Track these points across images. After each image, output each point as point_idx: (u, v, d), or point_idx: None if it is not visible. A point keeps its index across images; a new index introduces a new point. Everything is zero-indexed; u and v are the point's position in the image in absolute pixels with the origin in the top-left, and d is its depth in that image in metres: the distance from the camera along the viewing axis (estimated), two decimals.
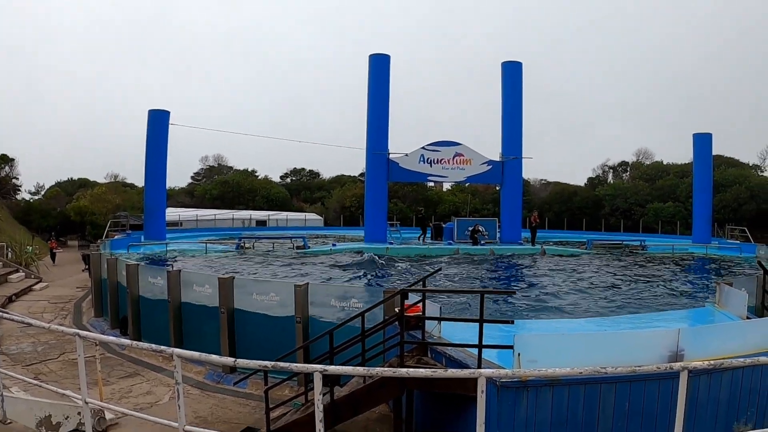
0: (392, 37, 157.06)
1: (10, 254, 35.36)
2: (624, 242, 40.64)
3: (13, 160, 72.06)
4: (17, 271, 30.84)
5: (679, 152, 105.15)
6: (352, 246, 34.58)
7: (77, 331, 7.08)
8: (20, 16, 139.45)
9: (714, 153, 43.08)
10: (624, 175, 79.74)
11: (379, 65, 37.01)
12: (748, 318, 11.09)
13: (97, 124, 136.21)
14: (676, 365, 5.69)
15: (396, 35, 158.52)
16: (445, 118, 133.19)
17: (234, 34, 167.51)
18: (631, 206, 62.14)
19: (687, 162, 58.49)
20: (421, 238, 38.28)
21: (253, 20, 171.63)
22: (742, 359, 6.48)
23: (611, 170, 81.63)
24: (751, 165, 69.36)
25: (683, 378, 5.44)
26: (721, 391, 7.62)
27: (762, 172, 68.00)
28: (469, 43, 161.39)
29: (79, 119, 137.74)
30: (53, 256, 41.07)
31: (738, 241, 42.12)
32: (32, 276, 31.16)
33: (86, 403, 6.91)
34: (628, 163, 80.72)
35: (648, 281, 22.57)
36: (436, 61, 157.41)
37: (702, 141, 40.61)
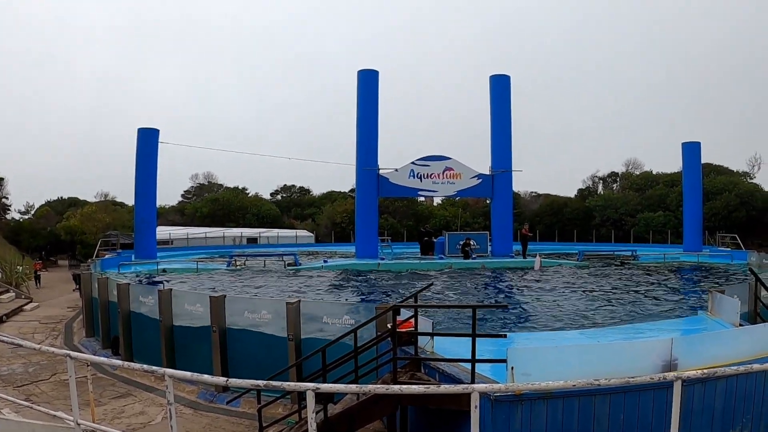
0: (382, 51, 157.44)
1: (0, 274, 35.22)
2: (615, 252, 40.80)
3: (2, 179, 71.99)
4: (7, 291, 30.70)
5: (668, 161, 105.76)
6: (344, 262, 34.53)
7: (68, 351, 7.04)
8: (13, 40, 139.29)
9: (703, 161, 43.36)
10: (614, 185, 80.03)
11: (368, 81, 37.00)
12: (740, 325, 11.09)
13: (87, 143, 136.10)
14: (670, 375, 5.68)
15: (386, 49, 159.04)
16: (434, 132, 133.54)
17: (225, 51, 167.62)
18: (621, 216, 62.28)
19: (676, 171, 58.75)
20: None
21: (244, 35, 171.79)
22: (735, 367, 6.46)
23: (601, 181, 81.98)
24: (740, 172, 69.64)
25: (677, 388, 5.43)
26: (715, 399, 7.61)
27: (751, 179, 68.32)
28: (458, 55, 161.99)
29: (70, 138, 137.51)
30: (38, 279, 40.03)
31: (729, 249, 42.31)
32: (23, 296, 31.03)
33: (78, 424, 6.86)
34: (617, 173, 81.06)
35: (640, 291, 22.58)
36: (422, 75, 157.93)
37: (691, 150, 40.84)
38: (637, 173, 77.59)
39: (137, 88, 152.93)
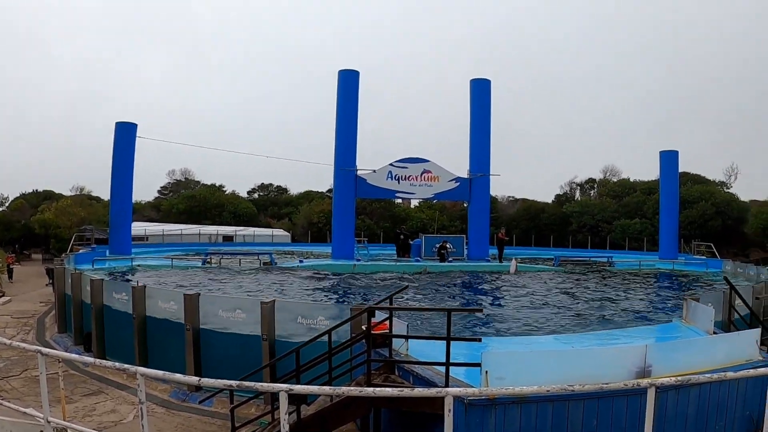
0: (361, 52, 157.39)
1: None
2: (591, 258, 41.03)
3: None
4: None
5: (645, 169, 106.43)
6: (320, 263, 34.44)
7: (39, 348, 6.94)
8: None
9: (680, 170, 43.77)
10: (591, 192, 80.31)
11: (348, 81, 36.92)
12: (714, 333, 11.15)
13: (63, 136, 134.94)
14: (644, 382, 5.70)
15: (364, 50, 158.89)
16: (412, 135, 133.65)
17: (203, 47, 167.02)
18: (598, 223, 62.52)
19: (654, 179, 59.06)
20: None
21: (223, 33, 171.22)
22: (709, 374, 6.48)
23: (578, 187, 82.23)
24: (717, 181, 70.21)
25: (651, 394, 5.43)
26: (689, 406, 7.65)
27: (728, 188, 68.93)
28: (437, 59, 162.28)
29: (45, 130, 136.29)
30: (10, 273, 39.31)
31: (704, 257, 42.69)
32: None
33: (48, 422, 6.78)
34: (595, 180, 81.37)
35: (615, 297, 22.69)
36: (403, 77, 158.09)
37: (668, 158, 41.18)
38: (615, 180, 78.00)
39: (116, 78, 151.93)
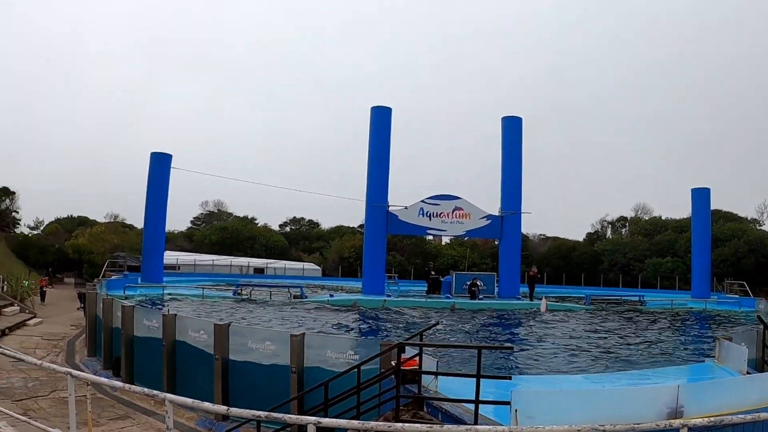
0: (393, 90, 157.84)
1: (5, 287, 35.30)
2: (623, 297, 40.57)
3: (14, 193, 72.50)
4: (12, 304, 30.79)
5: (677, 207, 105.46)
6: (350, 297, 34.40)
7: (69, 370, 7.01)
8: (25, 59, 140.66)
9: (712, 207, 43.34)
10: (622, 230, 79.89)
11: (381, 117, 37.07)
12: (748, 373, 10.99)
13: (99, 164, 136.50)
14: (676, 422, 5.63)
15: (397, 88, 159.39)
16: (444, 172, 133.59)
17: (237, 78, 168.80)
18: (629, 261, 62.09)
19: (685, 217, 58.68)
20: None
21: (257, 65, 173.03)
22: (742, 415, 6.38)
23: (610, 225, 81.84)
24: (749, 219, 69.65)
25: None
26: None
27: (760, 226, 68.37)
28: (470, 97, 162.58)
29: (82, 156, 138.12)
30: (43, 295, 39.58)
31: (737, 296, 42.22)
32: (27, 311, 31.11)
33: None
34: (626, 218, 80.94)
35: (647, 337, 22.43)
36: (436, 114, 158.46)
37: (700, 196, 40.82)
38: (646, 218, 77.61)
39: (151, 108, 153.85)
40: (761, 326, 13.81)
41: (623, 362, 16.73)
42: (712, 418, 6.05)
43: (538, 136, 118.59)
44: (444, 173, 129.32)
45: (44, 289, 40.92)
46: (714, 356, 13.06)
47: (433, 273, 40.36)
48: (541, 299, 34.08)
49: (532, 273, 38.26)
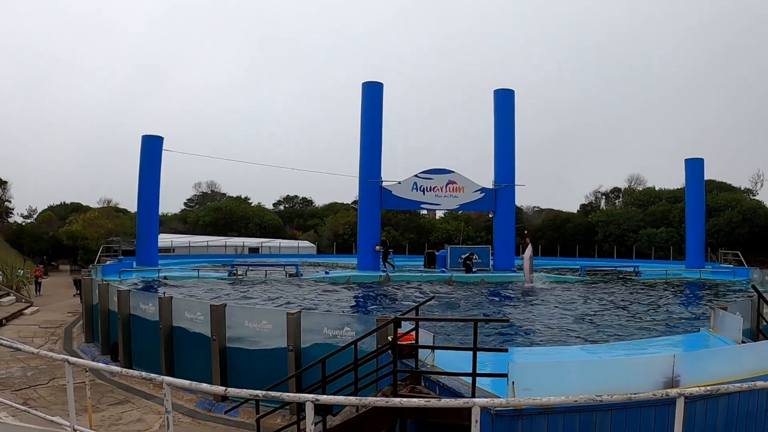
0: (385, 64, 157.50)
1: (0, 278, 35.25)
2: (617, 268, 40.64)
3: (6, 182, 72.27)
4: (8, 294, 30.79)
5: (671, 178, 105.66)
6: (346, 274, 34.41)
7: (67, 357, 7.00)
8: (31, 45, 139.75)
9: (706, 178, 43.23)
10: (616, 201, 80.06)
11: (372, 93, 36.94)
12: (743, 342, 11.02)
13: (90, 149, 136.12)
14: (672, 392, 5.65)
15: (389, 61, 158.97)
16: (437, 146, 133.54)
17: (229, 60, 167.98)
18: (624, 232, 62.22)
19: (679, 187, 58.74)
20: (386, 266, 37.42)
21: (250, 39, 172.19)
22: (738, 384, 6.40)
23: (604, 197, 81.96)
24: (743, 189, 69.74)
25: (680, 404, 5.39)
26: (717, 416, 7.53)
27: (754, 195, 68.43)
28: (462, 69, 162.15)
29: (73, 143, 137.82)
30: (38, 285, 39.22)
31: (731, 265, 42.31)
32: (23, 300, 31.08)
33: (75, 430, 6.82)
34: (620, 189, 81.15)
35: (642, 307, 22.50)
36: (428, 88, 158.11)
37: (694, 166, 40.71)
38: (640, 189, 77.71)
39: (142, 90, 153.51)
40: (756, 295, 13.87)
41: (618, 332, 16.79)
42: (708, 388, 6.07)
43: (531, 107, 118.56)
44: (437, 148, 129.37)
45: (39, 279, 40.43)
46: (709, 326, 13.09)
47: (385, 247, 39.50)
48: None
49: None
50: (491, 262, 38.17)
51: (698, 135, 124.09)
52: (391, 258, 37.17)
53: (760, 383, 6.37)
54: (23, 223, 74.06)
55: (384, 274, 33.60)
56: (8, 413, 9.89)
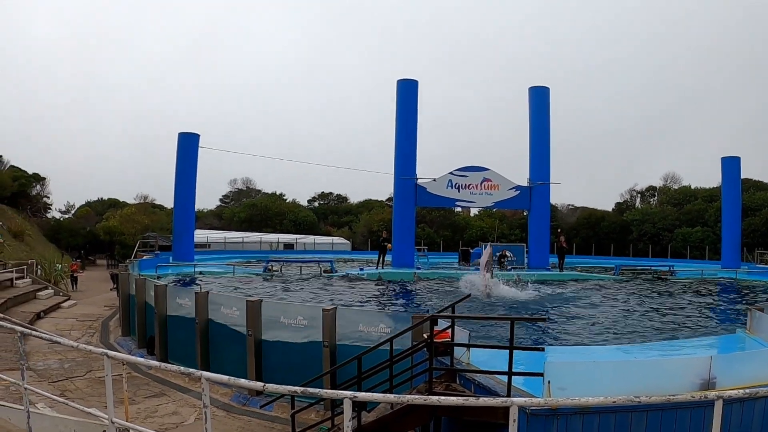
0: (421, 61, 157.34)
1: (39, 271, 35.72)
2: (652, 267, 40.31)
3: (44, 179, 73.16)
4: (46, 288, 31.20)
5: (707, 176, 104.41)
6: (380, 270, 34.43)
7: (106, 351, 7.11)
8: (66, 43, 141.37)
9: (742, 176, 42.68)
10: (652, 200, 79.21)
11: (407, 90, 36.87)
12: None
13: (128, 145, 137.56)
14: (711, 394, 5.61)
15: (424, 59, 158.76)
16: (472, 143, 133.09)
17: (265, 59, 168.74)
18: (659, 231, 61.65)
19: (715, 186, 58.11)
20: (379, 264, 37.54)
21: (283, 46, 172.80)
22: None
23: (639, 195, 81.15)
24: None
25: (718, 407, 5.35)
26: (753, 419, 7.47)
27: None
28: (496, 68, 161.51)
29: (112, 140, 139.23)
30: (74, 281, 39.52)
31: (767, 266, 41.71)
32: (61, 293, 31.50)
33: (112, 422, 6.92)
34: (655, 187, 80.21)
35: (677, 307, 22.30)
36: (463, 86, 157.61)
37: (730, 164, 40.26)
38: (676, 188, 76.86)
39: (180, 88, 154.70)
40: None
41: (653, 332, 16.66)
42: (747, 390, 6.03)
43: (568, 105, 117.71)
44: (472, 146, 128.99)
45: (75, 274, 40.68)
46: (745, 327, 12.97)
47: (384, 240, 39.40)
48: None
49: (561, 243, 37.98)
50: (526, 260, 38.02)
51: (735, 133, 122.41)
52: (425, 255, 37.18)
53: None
54: (61, 219, 74.88)
55: (417, 271, 33.60)
56: (46, 404, 10.07)
